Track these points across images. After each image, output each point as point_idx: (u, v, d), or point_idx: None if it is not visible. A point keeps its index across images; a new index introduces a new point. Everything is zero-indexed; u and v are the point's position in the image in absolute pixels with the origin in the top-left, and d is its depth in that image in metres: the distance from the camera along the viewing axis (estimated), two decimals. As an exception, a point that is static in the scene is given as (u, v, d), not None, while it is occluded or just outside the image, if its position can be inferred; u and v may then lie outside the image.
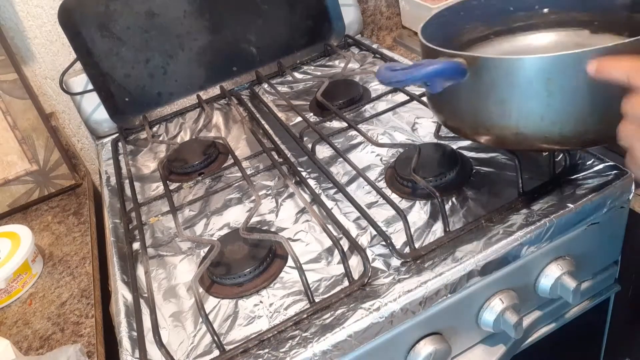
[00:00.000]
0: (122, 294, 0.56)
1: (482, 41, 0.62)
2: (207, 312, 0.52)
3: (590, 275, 0.60)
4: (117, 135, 0.88)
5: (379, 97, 0.80)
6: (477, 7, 0.60)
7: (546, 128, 0.44)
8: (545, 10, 0.59)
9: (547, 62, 0.41)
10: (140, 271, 0.59)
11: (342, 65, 0.90)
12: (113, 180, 0.77)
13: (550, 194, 0.55)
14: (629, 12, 0.54)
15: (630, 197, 0.55)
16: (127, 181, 0.74)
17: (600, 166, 0.56)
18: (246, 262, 0.55)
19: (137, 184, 0.75)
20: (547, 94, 0.42)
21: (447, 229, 0.53)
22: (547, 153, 0.58)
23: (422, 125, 0.72)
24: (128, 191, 0.73)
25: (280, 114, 0.82)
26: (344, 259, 0.50)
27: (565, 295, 0.53)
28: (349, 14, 0.98)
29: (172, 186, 0.72)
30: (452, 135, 0.67)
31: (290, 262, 0.56)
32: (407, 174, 0.59)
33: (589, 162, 0.57)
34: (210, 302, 0.54)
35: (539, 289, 0.54)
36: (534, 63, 0.42)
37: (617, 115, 0.38)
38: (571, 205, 0.52)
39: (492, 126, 0.46)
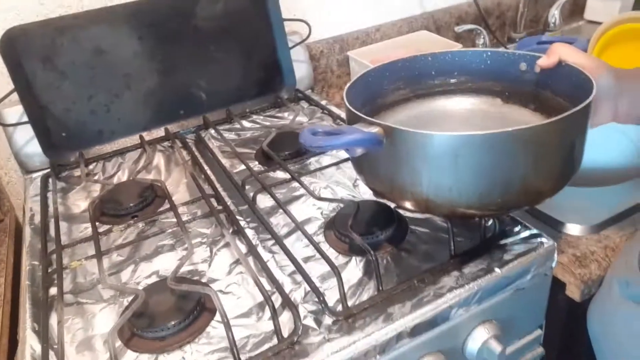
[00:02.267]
0: (30, 344, 0.52)
1: (405, 103, 0.66)
2: (122, 368, 0.48)
3: (515, 339, 0.61)
4: (48, 170, 0.84)
5: (324, 151, 0.81)
6: (402, 69, 0.64)
7: (454, 198, 0.47)
8: (463, 78, 0.65)
9: (457, 140, 0.44)
10: (54, 320, 0.54)
11: (291, 117, 0.91)
12: (37, 218, 0.72)
13: (480, 258, 0.56)
14: (535, 87, 0.61)
15: (553, 264, 0.58)
16: (53, 220, 0.70)
17: (526, 233, 0.59)
18: (171, 314, 0.52)
19: (64, 224, 0.71)
20: (456, 169, 0.45)
21: (381, 288, 0.53)
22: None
23: (363, 182, 0.73)
24: (53, 231, 0.68)
25: (224, 161, 0.81)
26: (274, 316, 0.49)
27: (491, 360, 0.54)
28: (301, 69, 1.01)
29: (102, 228, 0.68)
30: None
31: (218, 316, 0.53)
32: (345, 229, 0.59)
33: (516, 229, 0.60)
34: (128, 357, 0.50)
35: (467, 352, 0.55)
36: (445, 139, 0.45)
37: (515, 191, 0.46)
38: (498, 270, 0.54)
39: (405, 192, 0.49)
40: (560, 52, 0.54)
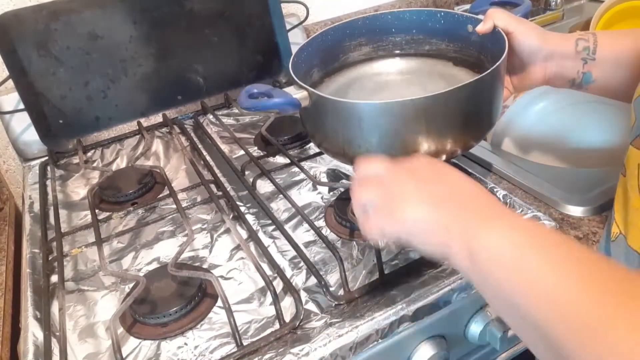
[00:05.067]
0: (32, 331, 0.52)
1: (366, 62, 0.69)
2: (125, 354, 0.48)
3: (517, 321, 0.61)
4: (46, 158, 0.83)
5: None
6: (362, 26, 0.67)
7: (363, 154, 0.52)
8: (421, 36, 0.67)
9: (358, 107, 0.51)
10: (55, 307, 0.54)
11: (290, 101, 0.90)
12: (37, 206, 0.72)
13: (481, 241, 0.56)
14: (479, 50, 0.62)
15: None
16: (52, 208, 0.70)
17: (528, 215, 0.58)
18: (173, 300, 0.52)
19: (64, 212, 0.70)
20: (360, 129, 0.51)
21: (382, 272, 0.53)
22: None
23: (363, 166, 0.73)
24: (53, 219, 0.68)
25: (223, 146, 0.81)
26: (276, 301, 0.49)
27: (493, 342, 0.54)
28: (299, 52, 0.99)
29: (102, 215, 0.68)
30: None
31: (220, 302, 0.53)
32: (346, 213, 0.59)
33: (518, 211, 0.59)
34: (131, 343, 0.50)
35: (469, 335, 0.55)
36: (350, 106, 0.51)
37: (409, 145, 0.51)
38: (500, 253, 0.54)
39: (330, 145, 0.56)
40: (495, 17, 0.55)
